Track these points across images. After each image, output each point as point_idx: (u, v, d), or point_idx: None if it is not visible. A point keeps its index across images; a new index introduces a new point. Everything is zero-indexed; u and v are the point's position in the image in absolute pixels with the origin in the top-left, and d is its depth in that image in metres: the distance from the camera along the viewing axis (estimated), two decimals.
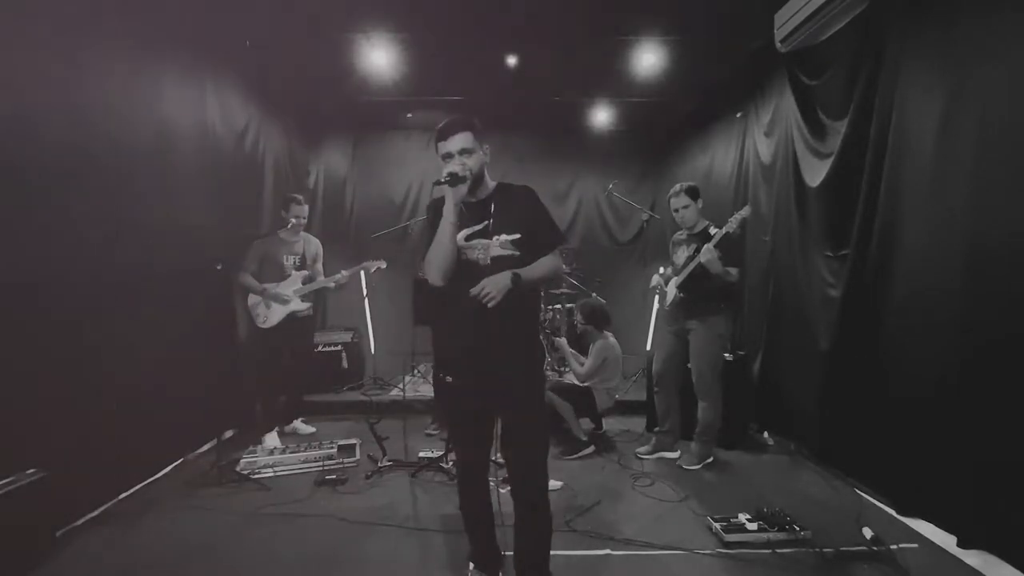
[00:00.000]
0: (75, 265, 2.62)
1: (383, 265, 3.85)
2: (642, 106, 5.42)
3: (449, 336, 1.94)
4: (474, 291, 1.75)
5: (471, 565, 2.10)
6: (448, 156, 1.83)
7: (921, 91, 2.63)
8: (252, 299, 3.77)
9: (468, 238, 1.86)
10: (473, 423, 1.97)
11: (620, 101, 5.41)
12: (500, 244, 1.85)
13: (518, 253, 1.85)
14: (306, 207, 3.87)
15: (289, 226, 3.80)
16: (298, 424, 4.05)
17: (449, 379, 1.94)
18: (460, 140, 1.83)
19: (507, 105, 5.25)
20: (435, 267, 1.83)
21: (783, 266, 3.83)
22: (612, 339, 3.83)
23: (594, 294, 5.45)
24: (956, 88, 2.44)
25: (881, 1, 2.84)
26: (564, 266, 2.03)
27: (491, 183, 1.94)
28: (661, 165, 6.36)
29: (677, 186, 3.38)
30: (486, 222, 1.87)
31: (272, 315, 3.73)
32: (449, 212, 1.79)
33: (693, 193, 3.34)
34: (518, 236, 1.85)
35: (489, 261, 1.84)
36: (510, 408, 1.90)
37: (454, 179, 1.76)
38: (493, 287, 1.74)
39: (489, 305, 1.73)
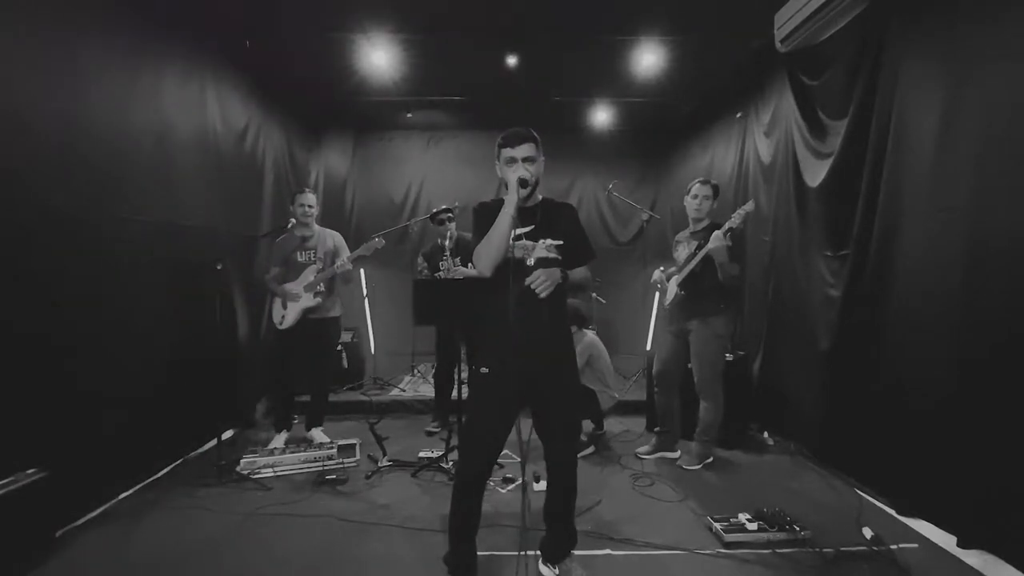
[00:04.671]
0: (75, 265, 2.62)
1: (381, 244, 3.70)
2: (642, 106, 5.42)
3: (498, 328, 2.01)
4: (529, 279, 1.90)
5: (446, 569, 2.12)
6: (512, 161, 1.99)
7: (921, 91, 2.63)
8: (274, 301, 3.71)
9: (516, 238, 2.00)
10: (500, 423, 2.01)
11: (620, 101, 5.40)
12: (545, 247, 2.02)
13: (560, 258, 2.03)
14: (312, 195, 3.72)
15: (301, 221, 3.66)
16: (316, 433, 3.80)
17: (485, 370, 2.03)
18: (526, 148, 2.00)
19: (507, 105, 5.24)
20: (488, 255, 1.95)
21: (783, 266, 3.83)
22: (592, 336, 3.85)
23: (594, 294, 5.46)
24: (956, 88, 2.44)
25: (881, 1, 2.84)
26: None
27: (538, 195, 2.10)
28: (661, 165, 6.37)
29: (702, 177, 3.42)
30: (532, 226, 2.03)
31: (289, 315, 3.63)
32: (511, 206, 1.92)
33: (716, 189, 3.39)
34: (561, 243, 2.03)
35: (533, 262, 2.00)
36: (555, 392, 2.06)
37: (524, 183, 1.95)
38: (548, 276, 1.90)
39: (542, 294, 1.90)
